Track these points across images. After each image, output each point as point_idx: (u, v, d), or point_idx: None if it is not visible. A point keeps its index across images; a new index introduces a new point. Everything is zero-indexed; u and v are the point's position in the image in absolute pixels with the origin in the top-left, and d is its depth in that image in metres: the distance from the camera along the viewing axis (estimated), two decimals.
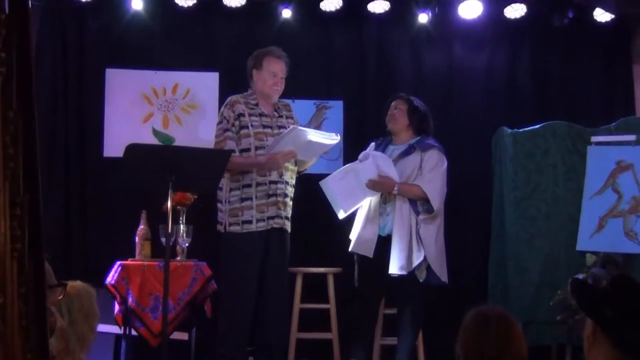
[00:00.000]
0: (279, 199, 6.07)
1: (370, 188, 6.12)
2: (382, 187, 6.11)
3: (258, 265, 6.04)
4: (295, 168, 6.27)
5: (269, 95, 6.20)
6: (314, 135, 6.06)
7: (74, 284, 3.79)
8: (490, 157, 7.48)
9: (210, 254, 6.44)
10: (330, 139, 6.13)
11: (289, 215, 6.19)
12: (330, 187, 6.21)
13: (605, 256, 6.63)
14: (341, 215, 6.29)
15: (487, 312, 3.22)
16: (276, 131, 6.14)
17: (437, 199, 6.10)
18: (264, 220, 6.04)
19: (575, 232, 6.84)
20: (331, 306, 6.98)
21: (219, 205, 6.16)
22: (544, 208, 7.13)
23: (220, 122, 6.18)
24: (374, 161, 6.13)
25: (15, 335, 1.83)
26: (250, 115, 6.12)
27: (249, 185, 6.05)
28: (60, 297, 3.10)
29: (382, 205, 6.14)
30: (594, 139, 6.96)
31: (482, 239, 7.51)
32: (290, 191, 6.21)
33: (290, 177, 6.21)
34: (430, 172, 6.14)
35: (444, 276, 6.14)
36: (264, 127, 6.13)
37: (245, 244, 6.02)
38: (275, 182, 6.08)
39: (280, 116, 6.26)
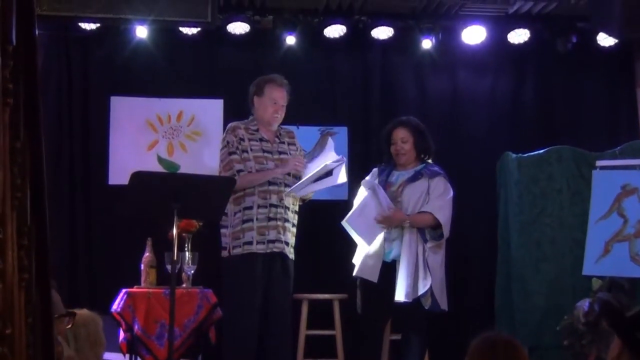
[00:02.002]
0: (279, 223, 6.07)
1: (381, 223, 6.08)
2: (393, 222, 6.08)
3: (261, 290, 6.02)
4: (298, 195, 6.26)
5: (269, 122, 6.22)
6: (340, 174, 6.12)
7: (81, 312, 3.79)
8: (495, 182, 7.48)
9: (216, 281, 6.43)
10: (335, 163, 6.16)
11: (290, 242, 6.16)
12: (353, 225, 6.16)
13: (611, 281, 6.61)
14: (367, 246, 6.22)
15: (493, 338, 3.21)
16: (276, 156, 6.15)
17: (447, 226, 6.09)
18: (264, 242, 6.03)
19: (581, 257, 6.82)
20: (337, 332, 6.97)
21: (222, 230, 6.16)
22: (549, 232, 7.12)
23: (223, 147, 6.20)
24: (377, 195, 6.10)
25: None
26: (250, 140, 6.14)
27: (250, 208, 6.06)
28: (69, 326, 3.10)
29: (387, 231, 6.12)
30: (599, 163, 6.95)
31: (488, 263, 7.50)
32: (292, 217, 6.19)
33: (292, 203, 6.20)
34: (439, 199, 6.12)
35: (444, 304, 6.11)
36: (264, 151, 6.14)
37: (246, 266, 6.00)
38: (276, 206, 6.08)
39: (282, 142, 6.26)
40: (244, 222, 6.04)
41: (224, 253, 6.11)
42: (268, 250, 6.02)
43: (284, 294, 6.12)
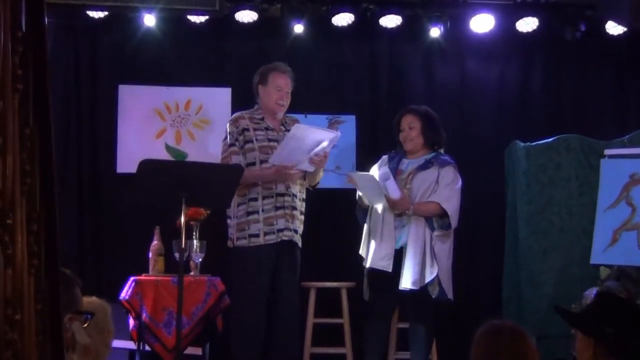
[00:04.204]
0: (287, 211, 6.06)
1: (389, 205, 6.09)
2: (397, 207, 6.08)
3: (268, 279, 6.02)
4: (305, 182, 6.26)
5: (274, 110, 6.20)
6: (316, 130, 6.05)
7: (89, 300, 3.79)
8: (503, 171, 7.48)
9: (224, 269, 6.44)
10: (332, 133, 6.12)
11: (298, 229, 6.16)
12: (359, 180, 6.17)
13: (619, 269, 6.61)
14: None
15: (499, 325, 3.23)
16: None
17: (455, 217, 6.10)
18: (273, 232, 6.02)
19: (589, 246, 6.83)
20: (345, 321, 6.97)
21: (228, 221, 6.17)
22: (557, 222, 7.13)
23: (225, 138, 6.19)
24: (390, 184, 6.09)
25: (32, 352, 1.83)
26: (255, 129, 6.13)
27: (255, 199, 6.05)
28: (85, 325, 3.10)
29: (397, 218, 6.12)
30: (607, 152, 6.95)
31: (496, 253, 7.50)
32: (300, 205, 6.19)
33: (299, 191, 6.20)
34: (447, 188, 6.12)
35: (450, 293, 6.12)
36: (270, 140, 6.12)
37: (253, 258, 6.00)
38: (282, 195, 6.07)
39: (288, 130, 6.24)
40: (248, 214, 6.04)
41: (229, 243, 6.12)
42: (278, 240, 6.02)
43: (292, 282, 6.13)
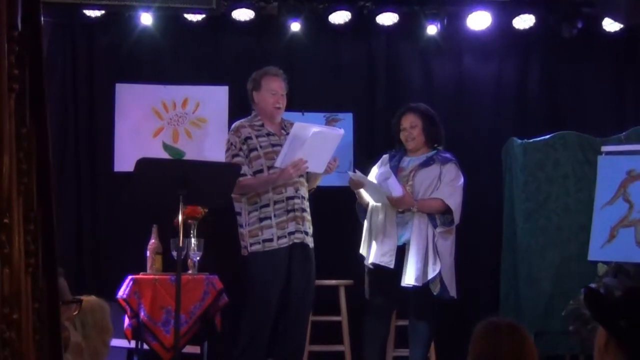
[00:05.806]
0: (297, 213, 6.04)
1: (391, 203, 6.09)
2: (401, 204, 6.09)
3: (282, 281, 6.00)
4: (307, 185, 6.25)
5: (272, 114, 6.18)
6: (317, 127, 6.04)
7: (88, 299, 3.80)
8: (501, 168, 7.48)
9: (222, 268, 6.44)
10: (335, 131, 6.12)
11: (309, 231, 6.13)
12: (362, 181, 6.17)
13: (616, 266, 6.62)
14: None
15: (497, 322, 3.22)
16: None
17: (458, 213, 6.11)
18: (285, 236, 6.00)
19: (586, 242, 6.83)
20: (343, 318, 6.98)
21: (240, 230, 6.12)
22: (555, 218, 7.13)
23: (227, 149, 6.14)
24: (392, 182, 6.10)
25: (30, 350, 1.84)
26: (257, 137, 6.09)
27: (267, 205, 6.00)
28: (75, 313, 3.10)
29: (399, 215, 6.13)
30: (604, 148, 6.96)
31: (494, 249, 7.50)
32: (308, 206, 6.18)
33: (305, 193, 6.19)
34: (450, 185, 6.13)
35: (453, 291, 6.13)
36: (273, 145, 6.09)
37: (268, 261, 5.96)
38: (292, 198, 6.05)
39: (288, 134, 6.22)
40: (261, 220, 6.00)
41: (243, 251, 6.07)
42: (290, 243, 5.99)
43: (305, 283, 6.07)
